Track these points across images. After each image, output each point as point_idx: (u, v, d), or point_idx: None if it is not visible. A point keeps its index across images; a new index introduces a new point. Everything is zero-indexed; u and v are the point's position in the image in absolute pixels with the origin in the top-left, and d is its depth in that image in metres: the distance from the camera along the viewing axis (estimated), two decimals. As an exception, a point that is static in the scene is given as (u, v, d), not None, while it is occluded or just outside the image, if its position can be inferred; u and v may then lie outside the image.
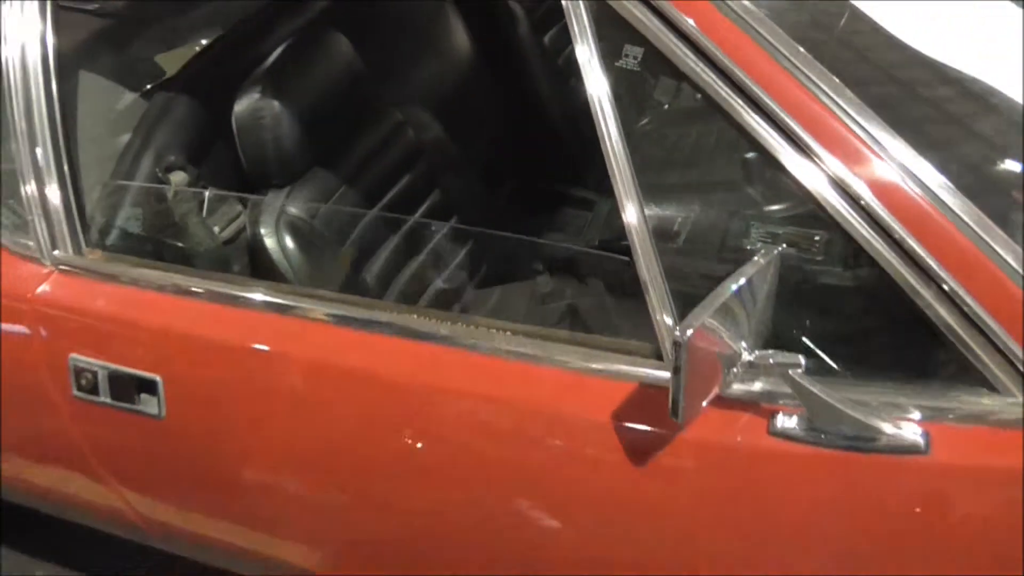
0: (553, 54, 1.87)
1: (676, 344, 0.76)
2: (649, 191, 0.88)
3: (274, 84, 1.27)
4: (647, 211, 0.87)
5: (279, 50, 1.34)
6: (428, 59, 1.66)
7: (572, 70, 1.83)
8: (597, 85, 0.89)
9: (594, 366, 0.92)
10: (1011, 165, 0.95)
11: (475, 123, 1.68)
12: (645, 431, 0.90)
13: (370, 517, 1.09)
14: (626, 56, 0.92)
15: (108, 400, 1.11)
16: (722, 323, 0.79)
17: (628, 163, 0.87)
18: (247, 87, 1.28)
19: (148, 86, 1.41)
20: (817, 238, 0.90)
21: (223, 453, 1.11)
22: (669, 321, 0.86)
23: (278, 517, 1.15)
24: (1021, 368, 0.81)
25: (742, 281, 0.80)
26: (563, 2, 0.92)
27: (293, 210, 1.27)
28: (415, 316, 1.01)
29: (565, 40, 1.83)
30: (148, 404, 1.09)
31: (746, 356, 0.82)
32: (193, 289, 1.09)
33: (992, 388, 0.83)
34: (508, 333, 0.96)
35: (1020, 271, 0.81)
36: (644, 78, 1.00)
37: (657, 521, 0.93)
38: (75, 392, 1.13)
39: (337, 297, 1.07)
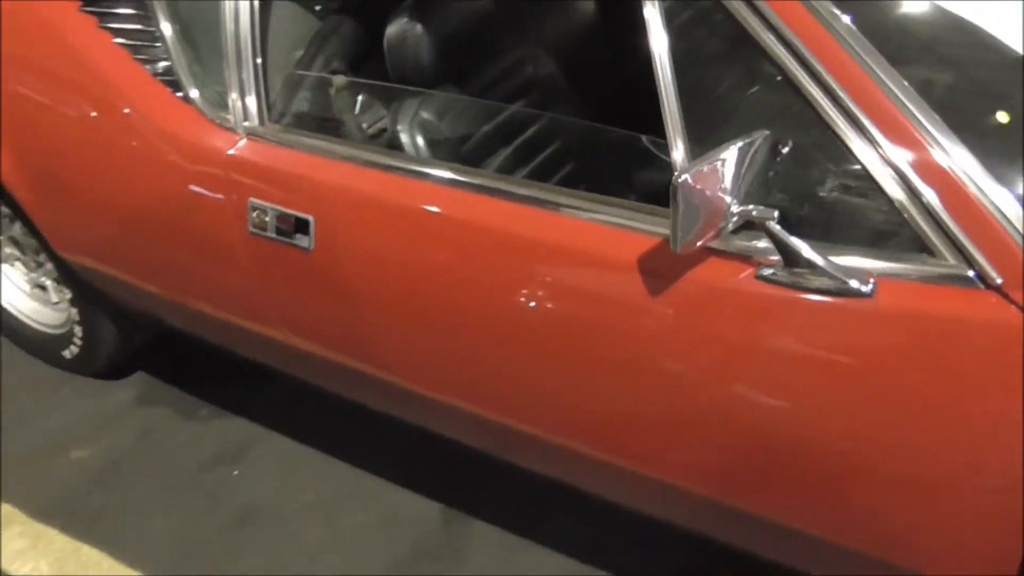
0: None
1: (673, 186, 1.03)
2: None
3: (419, 13, 1.61)
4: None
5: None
6: (555, 15, 1.96)
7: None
8: (660, 42, 1.14)
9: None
10: (947, 79, 1.16)
11: (585, 74, 1.96)
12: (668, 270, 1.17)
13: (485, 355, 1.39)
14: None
15: (273, 235, 1.48)
16: (715, 178, 1.05)
17: (676, 94, 1.12)
18: (397, 14, 1.62)
19: (317, 7, 1.78)
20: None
21: (355, 284, 1.45)
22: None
23: (394, 344, 1.48)
24: (952, 239, 1.04)
25: (734, 149, 1.06)
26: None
27: (425, 114, 1.60)
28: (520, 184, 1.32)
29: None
30: (301, 240, 1.45)
31: (734, 208, 1.08)
32: (345, 154, 1.44)
33: (931, 254, 1.06)
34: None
35: (957, 166, 1.04)
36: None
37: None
38: (250, 229, 1.50)
39: (458, 168, 1.39)
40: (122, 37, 1.61)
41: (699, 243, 1.09)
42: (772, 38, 1.10)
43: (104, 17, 1.62)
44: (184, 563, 1.86)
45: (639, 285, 1.18)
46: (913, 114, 1.06)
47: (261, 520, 1.94)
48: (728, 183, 1.06)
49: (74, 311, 2.12)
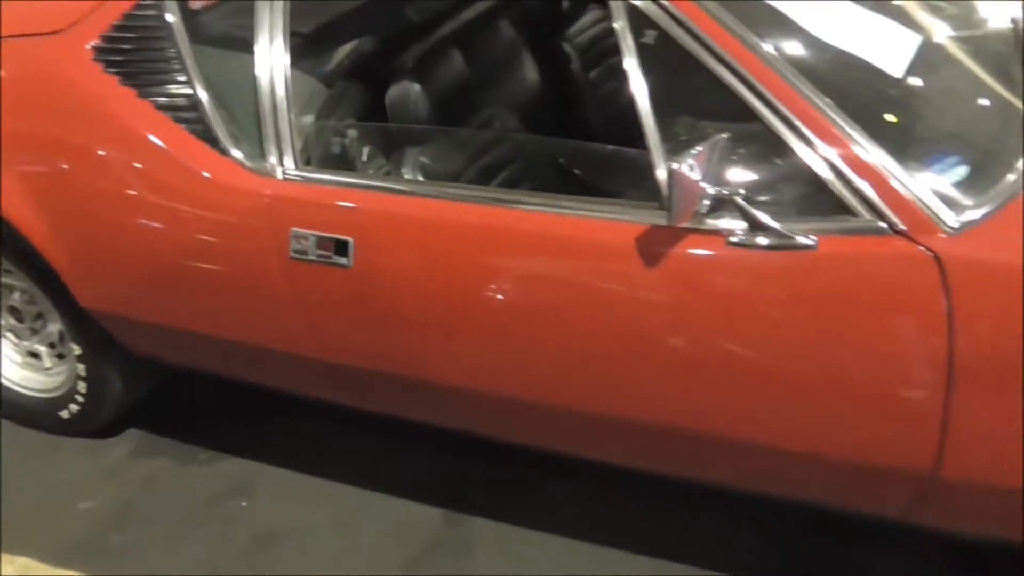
0: (595, 84, 2.56)
1: (670, 171, 1.39)
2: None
3: (416, 77, 1.96)
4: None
5: (418, 57, 2.03)
6: (510, 79, 2.35)
7: (608, 95, 2.50)
8: (639, 83, 1.52)
9: (626, 217, 1.55)
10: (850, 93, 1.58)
11: (539, 123, 2.34)
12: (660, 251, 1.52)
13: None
14: (646, 37, 1.58)
15: (314, 257, 1.75)
16: (696, 168, 1.42)
17: (655, 123, 1.49)
18: (398, 79, 1.97)
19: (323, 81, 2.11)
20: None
21: (388, 296, 1.73)
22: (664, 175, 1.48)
23: (428, 344, 1.75)
24: (867, 201, 1.43)
25: (706, 146, 1.43)
26: (615, 24, 1.54)
27: (423, 159, 1.93)
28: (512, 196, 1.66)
29: (605, 76, 2.53)
30: (341, 259, 1.73)
31: (709, 189, 1.45)
32: (367, 185, 1.75)
33: (853, 213, 1.45)
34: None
35: (865, 150, 1.44)
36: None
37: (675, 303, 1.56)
38: (291, 255, 1.77)
39: (467, 186, 1.72)
40: (163, 103, 1.88)
41: (686, 217, 1.45)
42: (726, 72, 1.49)
43: (143, 88, 1.89)
44: (210, 579, 2.03)
45: (639, 263, 1.53)
46: (831, 117, 1.46)
47: (279, 540, 2.13)
48: (704, 171, 1.43)
49: (80, 367, 2.28)
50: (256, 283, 1.84)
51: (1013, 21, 1.94)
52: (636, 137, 1.54)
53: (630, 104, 1.53)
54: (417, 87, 1.94)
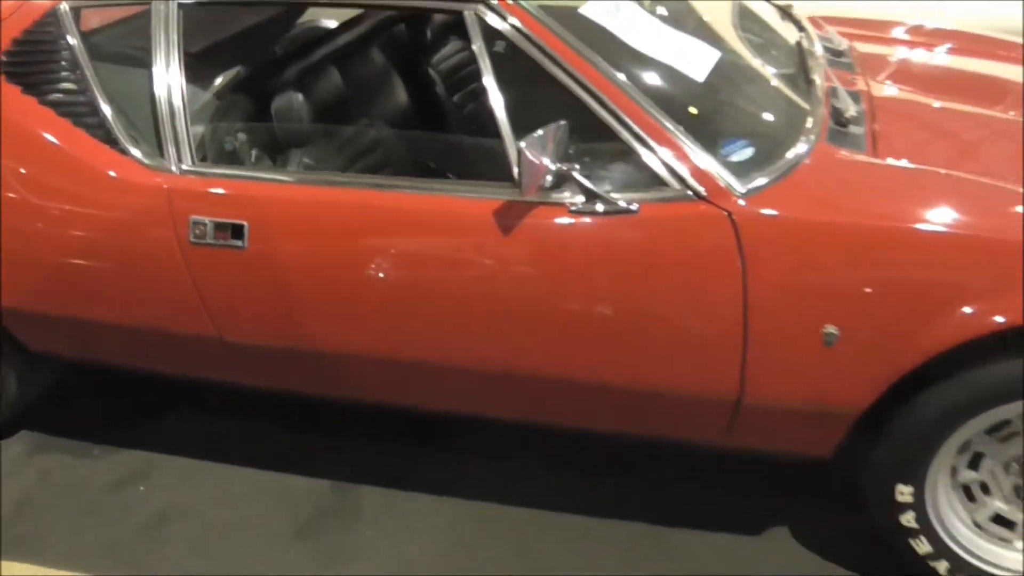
0: (459, 106, 2.87)
1: (518, 151, 1.70)
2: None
3: (299, 90, 2.22)
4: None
5: (299, 73, 2.29)
6: (382, 99, 2.64)
7: (469, 116, 2.82)
8: (496, 97, 1.83)
9: (485, 194, 1.85)
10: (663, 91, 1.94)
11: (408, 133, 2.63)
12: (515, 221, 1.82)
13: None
14: (497, 47, 1.90)
15: (212, 242, 1.97)
16: (540, 147, 1.73)
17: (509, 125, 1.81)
18: (282, 91, 2.22)
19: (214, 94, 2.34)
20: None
21: (282, 273, 1.96)
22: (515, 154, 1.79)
23: (319, 316, 1.99)
24: (675, 174, 1.78)
25: (548, 130, 1.74)
26: (473, 47, 1.85)
27: (307, 159, 2.19)
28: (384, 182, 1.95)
29: (466, 99, 2.85)
30: (237, 242, 1.96)
31: (551, 166, 1.76)
32: (258, 177, 2.00)
33: (665, 184, 1.79)
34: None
35: (675, 134, 1.79)
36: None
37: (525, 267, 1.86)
38: (191, 240, 1.98)
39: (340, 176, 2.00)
40: (65, 111, 2.08)
41: (533, 190, 1.76)
42: (566, 77, 1.82)
43: (44, 97, 2.08)
44: (116, 560, 2.16)
45: (497, 231, 1.83)
46: (650, 112, 1.80)
47: (177, 518, 2.28)
48: (547, 151, 1.74)
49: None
50: (158, 269, 2.04)
51: (798, 43, 2.37)
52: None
53: (489, 119, 1.83)
54: (300, 97, 2.20)
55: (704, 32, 2.29)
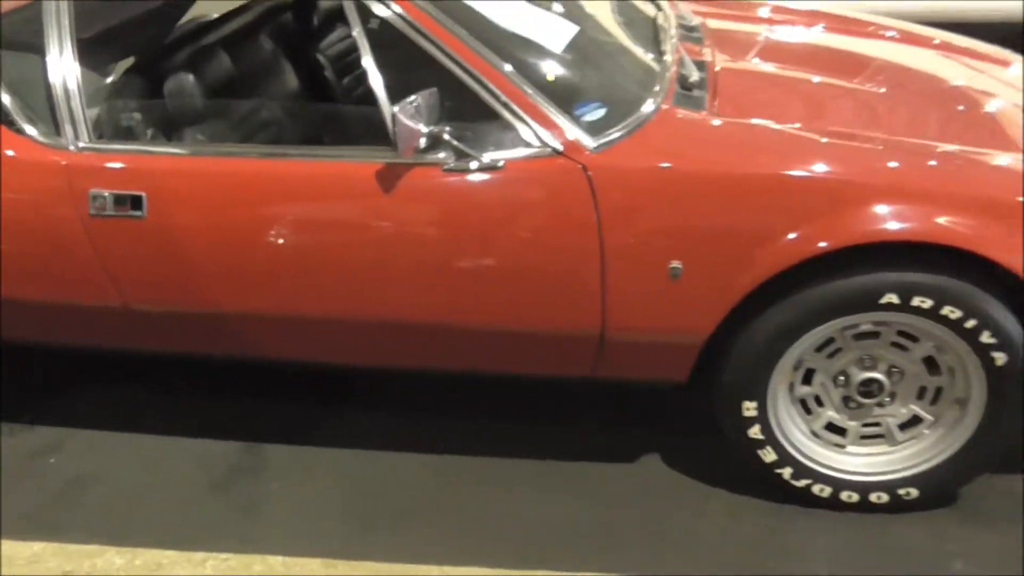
0: (348, 89, 3.04)
1: (392, 116, 1.89)
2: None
3: (190, 71, 2.36)
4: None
5: (188, 56, 2.43)
6: (273, 83, 2.80)
7: (359, 98, 2.99)
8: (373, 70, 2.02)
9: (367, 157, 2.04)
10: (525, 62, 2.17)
11: (296, 111, 2.79)
12: (394, 181, 2.02)
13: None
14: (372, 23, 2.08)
15: (112, 213, 2.10)
16: (414, 111, 1.92)
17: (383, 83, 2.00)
18: (173, 73, 2.36)
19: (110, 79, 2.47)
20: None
21: (180, 240, 2.11)
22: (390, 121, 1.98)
23: (219, 280, 2.14)
24: (535, 132, 2.00)
25: (421, 96, 1.94)
26: (351, 27, 2.04)
27: (200, 137, 2.34)
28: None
29: (357, 81, 3.02)
30: (136, 212, 2.10)
31: (424, 128, 1.96)
32: (154, 151, 2.14)
33: (528, 144, 2.01)
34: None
35: (532, 97, 2.01)
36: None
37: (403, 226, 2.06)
38: (91, 213, 2.11)
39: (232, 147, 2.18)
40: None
41: (409, 151, 1.95)
42: (440, 53, 2.03)
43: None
44: (35, 526, 2.26)
45: (379, 191, 2.02)
46: (513, 80, 2.02)
47: (91, 483, 2.40)
48: (422, 114, 1.94)
49: None
50: (60, 243, 2.16)
51: (653, 19, 2.63)
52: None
53: (371, 93, 2.01)
54: (191, 78, 2.34)
55: (569, 9, 2.52)
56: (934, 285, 1.95)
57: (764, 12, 3.11)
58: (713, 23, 2.88)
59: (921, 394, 2.14)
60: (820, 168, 2.00)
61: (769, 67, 2.65)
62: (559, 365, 2.21)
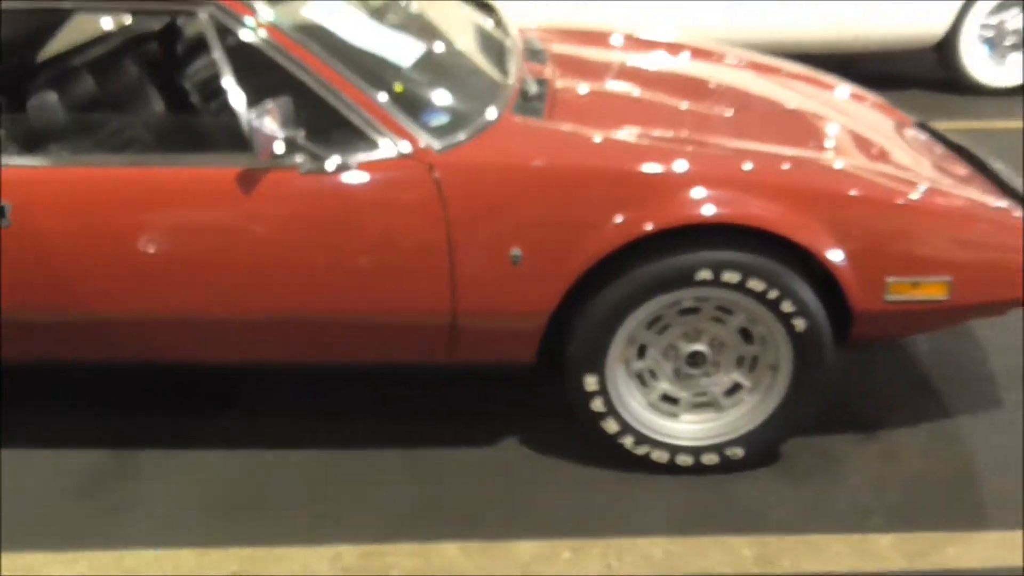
0: (214, 112, 3.17)
1: (249, 122, 2.05)
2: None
3: (53, 89, 2.46)
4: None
5: (53, 76, 2.53)
6: (137, 102, 2.91)
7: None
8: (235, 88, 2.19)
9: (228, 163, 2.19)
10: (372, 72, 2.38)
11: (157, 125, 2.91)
12: (253, 184, 2.17)
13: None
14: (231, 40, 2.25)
15: (-25, 221, 2.18)
16: (270, 117, 2.09)
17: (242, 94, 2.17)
18: (37, 90, 2.46)
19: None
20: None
21: (45, 247, 2.20)
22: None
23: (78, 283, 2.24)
24: (387, 135, 2.20)
25: (276, 103, 2.11)
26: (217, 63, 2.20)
27: (64, 153, 2.44)
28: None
29: (220, 108, 3.15)
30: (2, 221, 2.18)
31: (279, 133, 2.12)
32: (16, 164, 2.24)
33: (377, 146, 2.21)
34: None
35: (379, 104, 2.20)
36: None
37: (261, 229, 2.21)
38: (-45, 223, 2.18)
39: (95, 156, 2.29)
40: None
41: (266, 155, 2.11)
42: (297, 70, 2.21)
43: None
44: None
45: (240, 194, 2.17)
46: (366, 90, 2.21)
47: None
48: (276, 119, 2.10)
49: None
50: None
51: (501, 43, 2.88)
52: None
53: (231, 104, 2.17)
54: (55, 95, 2.44)
55: (426, 31, 2.76)
56: (740, 261, 2.22)
57: (617, 40, 3.41)
58: (559, 47, 3.16)
59: (740, 363, 2.41)
60: (643, 163, 2.26)
61: (609, 86, 2.94)
62: (418, 352, 2.38)
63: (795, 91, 3.06)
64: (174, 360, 2.43)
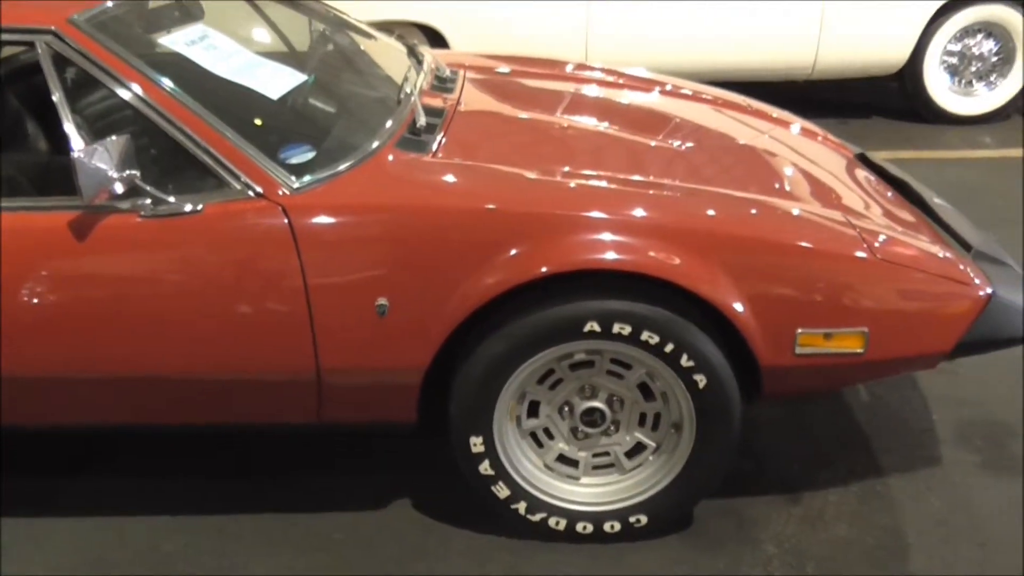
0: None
1: (73, 159, 1.84)
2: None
3: None
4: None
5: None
6: (17, 138, 2.70)
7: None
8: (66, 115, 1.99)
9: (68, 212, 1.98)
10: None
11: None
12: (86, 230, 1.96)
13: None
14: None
15: None
16: (101, 156, 1.87)
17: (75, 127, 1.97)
18: None
19: None
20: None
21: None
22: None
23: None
24: (236, 176, 1.99)
25: (106, 141, 1.90)
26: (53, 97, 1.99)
27: None
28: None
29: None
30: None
31: (112, 173, 1.90)
32: None
33: (229, 187, 2.00)
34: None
35: (245, 145, 2.00)
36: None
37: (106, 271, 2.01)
38: None
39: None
40: None
41: (98, 197, 1.90)
42: (137, 100, 2.01)
43: None
44: None
45: (74, 241, 1.96)
46: (214, 125, 2.00)
47: None
48: (109, 160, 1.89)
49: None
50: None
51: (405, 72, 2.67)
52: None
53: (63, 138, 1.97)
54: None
55: (322, 60, 2.56)
56: (632, 312, 2.00)
57: (557, 69, 3.20)
58: (482, 76, 2.96)
59: (642, 421, 2.18)
60: (527, 204, 2.05)
61: (523, 118, 2.73)
62: (283, 412, 2.16)
63: (740, 125, 2.85)
64: (11, 424, 2.20)
